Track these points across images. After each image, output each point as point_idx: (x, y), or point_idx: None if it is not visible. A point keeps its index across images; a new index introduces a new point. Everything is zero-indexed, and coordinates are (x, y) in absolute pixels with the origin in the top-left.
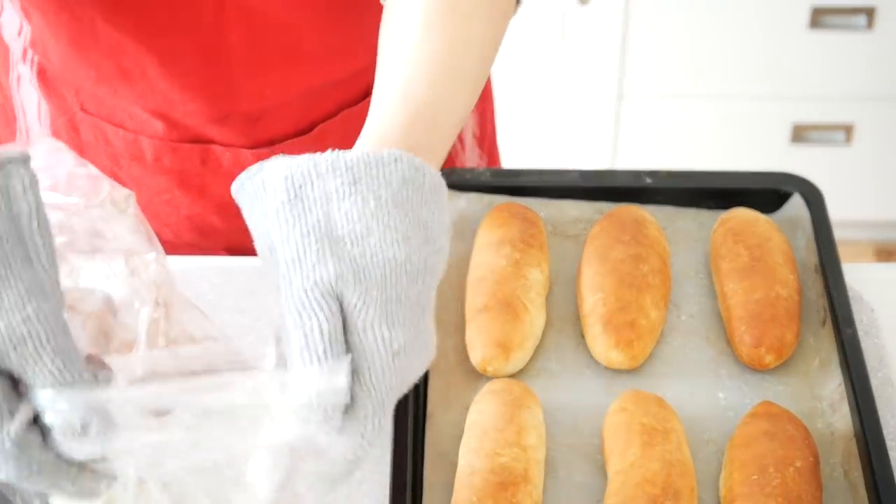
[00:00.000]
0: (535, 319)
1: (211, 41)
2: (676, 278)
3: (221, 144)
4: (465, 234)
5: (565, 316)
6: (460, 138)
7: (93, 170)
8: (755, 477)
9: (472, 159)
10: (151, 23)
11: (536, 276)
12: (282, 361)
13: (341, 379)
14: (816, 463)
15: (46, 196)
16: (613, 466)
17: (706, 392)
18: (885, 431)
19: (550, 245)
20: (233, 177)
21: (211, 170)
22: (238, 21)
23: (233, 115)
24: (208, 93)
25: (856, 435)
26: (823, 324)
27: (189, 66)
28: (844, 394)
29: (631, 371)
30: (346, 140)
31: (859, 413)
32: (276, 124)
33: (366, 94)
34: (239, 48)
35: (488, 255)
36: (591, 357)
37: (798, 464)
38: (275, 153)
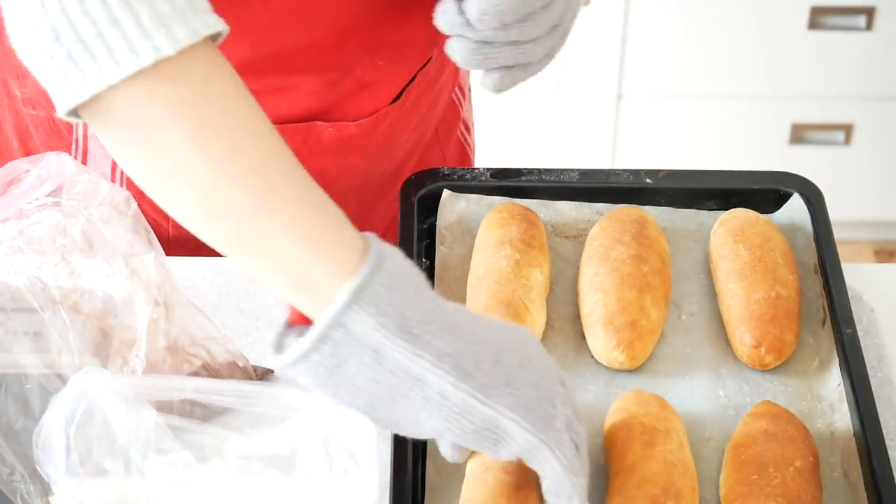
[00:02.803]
0: (536, 320)
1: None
2: (676, 278)
3: (325, 119)
4: (465, 235)
5: (565, 316)
6: (461, 89)
7: (94, 176)
8: (755, 476)
9: (468, 110)
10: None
11: (537, 277)
12: None
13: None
14: (816, 463)
15: (47, 199)
16: (614, 466)
17: (707, 391)
18: (885, 431)
19: (550, 245)
20: (330, 152)
21: (310, 146)
22: None
23: (345, 81)
24: (327, 57)
25: (855, 435)
26: (823, 324)
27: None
28: (844, 394)
29: (631, 371)
30: (423, 99)
31: (859, 413)
32: (379, 94)
33: (429, 53)
34: (360, 20)
35: (488, 255)
36: (592, 357)
37: (798, 463)
38: (374, 123)
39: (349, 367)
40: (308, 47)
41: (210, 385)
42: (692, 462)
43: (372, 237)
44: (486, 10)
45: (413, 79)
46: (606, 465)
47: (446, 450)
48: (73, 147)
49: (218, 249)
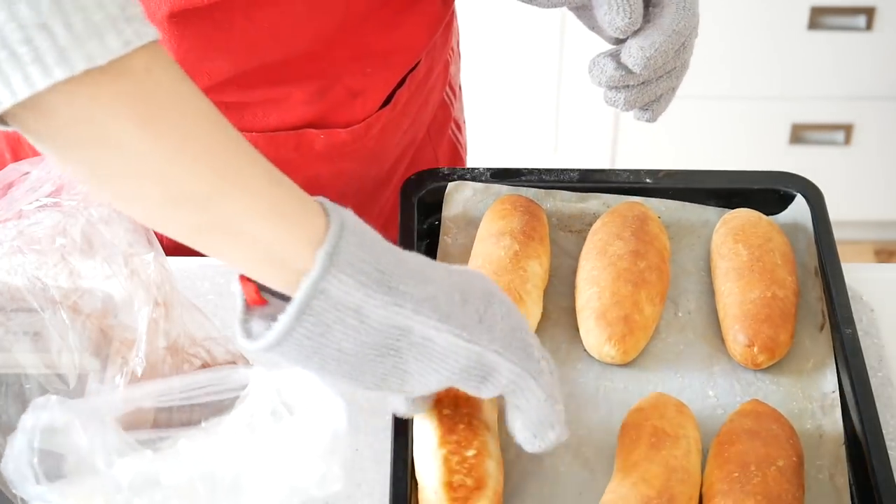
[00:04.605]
0: (531, 311)
1: (326, 20)
2: (677, 275)
3: (316, 127)
4: (469, 224)
5: (563, 309)
6: (451, 88)
7: None
8: (736, 474)
9: (460, 109)
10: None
11: (535, 269)
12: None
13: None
14: (800, 463)
15: (47, 199)
16: (618, 464)
17: (697, 389)
18: (885, 431)
19: (554, 239)
20: (322, 159)
21: (302, 154)
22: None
23: (334, 89)
24: (316, 66)
25: (856, 435)
26: (821, 329)
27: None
28: (838, 400)
29: (623, 365)
30: (414, 101)
31: (859, 413)
32: (369, 100)
33: (417, 57)
34: (344, 30)
35: (488, 245)
36: (585, 350)
37: (780, 463)
38: (366, 128)
39: (334, 333)
40: (294, 59)
41: (159, 387)
42: (697, 471)
43: (324, 200)
44: (650, 56)
45: (402, 82)
46: (616, 462)
47: (400, 405)
48: None
49: (182, 240)
